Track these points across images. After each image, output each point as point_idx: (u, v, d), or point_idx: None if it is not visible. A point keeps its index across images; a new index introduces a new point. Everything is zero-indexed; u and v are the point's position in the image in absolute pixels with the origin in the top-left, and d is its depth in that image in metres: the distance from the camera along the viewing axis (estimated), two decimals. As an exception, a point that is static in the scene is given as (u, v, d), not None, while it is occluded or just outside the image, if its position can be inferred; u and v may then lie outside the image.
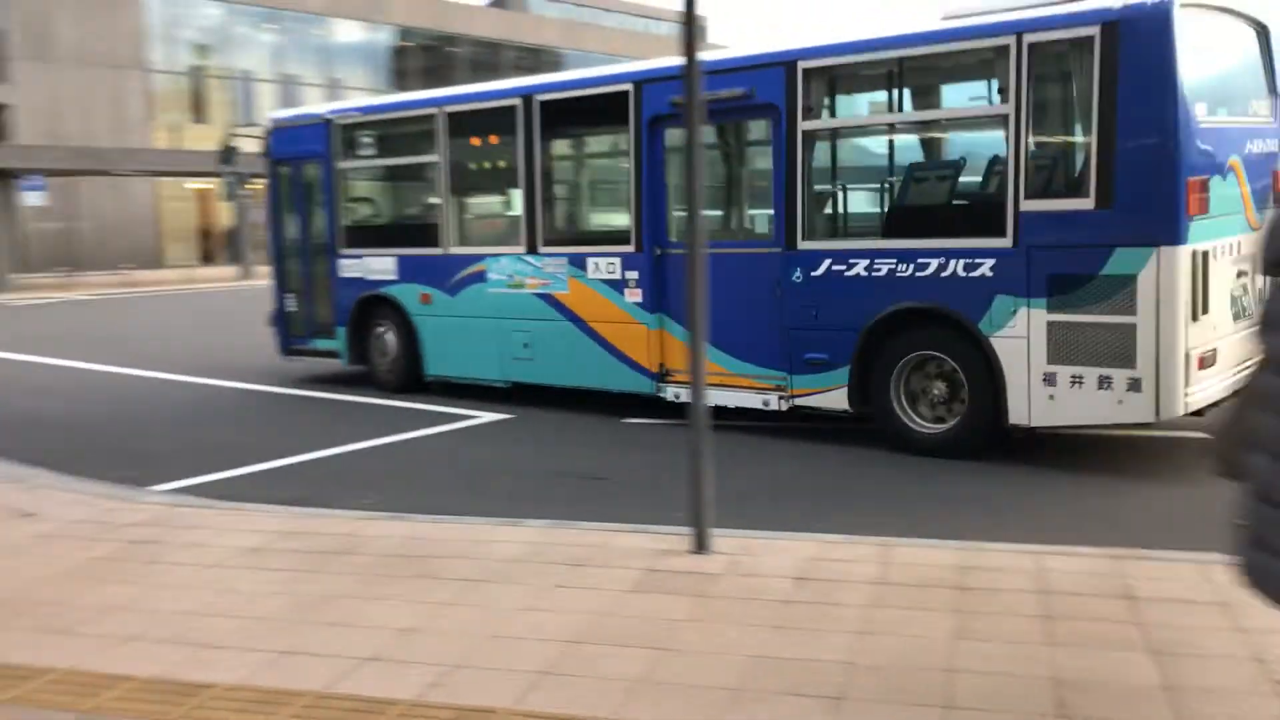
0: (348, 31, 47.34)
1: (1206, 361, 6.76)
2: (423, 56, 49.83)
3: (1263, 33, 7.90)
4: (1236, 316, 7.20)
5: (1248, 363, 7.78)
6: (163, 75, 41.64)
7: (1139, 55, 6.59)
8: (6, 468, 7.48)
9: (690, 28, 5.10)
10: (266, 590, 4.73)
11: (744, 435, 8.19)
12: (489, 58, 51.25)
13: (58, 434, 9.34)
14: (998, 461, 7.19)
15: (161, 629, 4.30)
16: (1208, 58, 7.16)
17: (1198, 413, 6.84)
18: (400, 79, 48.05)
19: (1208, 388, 6.78)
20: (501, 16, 54.27)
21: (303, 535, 5.55)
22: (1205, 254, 6.69)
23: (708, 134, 8.54)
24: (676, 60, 8.81)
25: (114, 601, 4.64)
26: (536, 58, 52.63)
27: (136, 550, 5.40)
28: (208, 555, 5.28)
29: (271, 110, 40.46)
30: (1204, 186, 6.69)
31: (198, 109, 42.87)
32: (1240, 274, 7.22)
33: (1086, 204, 6.78)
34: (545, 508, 6.30)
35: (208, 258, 42.02)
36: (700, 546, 5.09)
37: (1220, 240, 6.87)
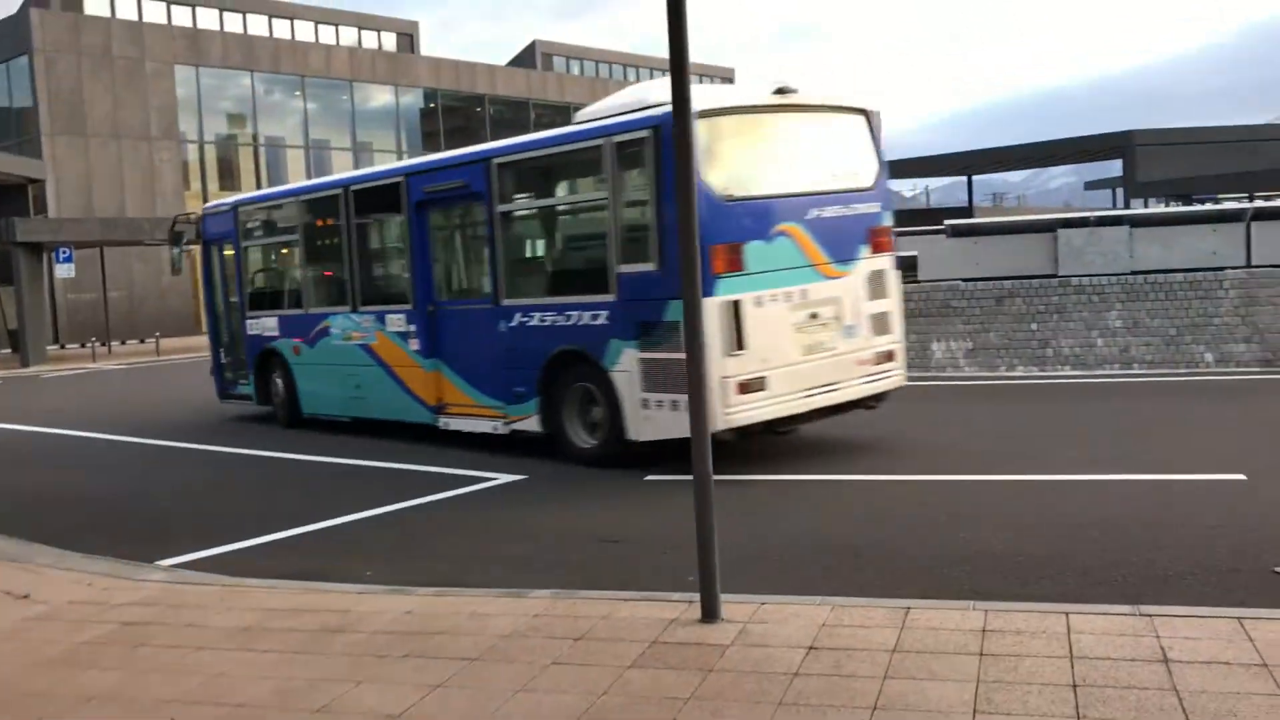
0: (375, 96, 47.94)
1: (750, 387, 8.33)
2: (450, 117, 50.35)
3: (863, 116, 9.63)
4: (810, 350, 8.71)
5: (832, 385, 8.51)
6: (194, 145, 42.29)
7: (669, 152, 8.20)
8: (8, 546, 7.36)
9: (681, 76, 4.95)
10: (254, 674, 4.53)
11: (762, 488, 7.96)
12: (515, 115, 51.74)
13: (68, 508, 9.23)
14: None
15: (140, 720, 4.11)
16: (755, 148, 9.04)
17: (779, 428, 8.82)
18: (429, 140, 48.57)
19: (756, 409, 8.40)
20: (525, 76, 54.81)
21: (299, 613, 5.36)
22: (739, 303, 8.28)
23: (447, 215, 11.25)
24: (432, 156, 11.68)
25: (96, 690, 4.46)
26: (563, 115, 53.10)
27: (128, 633, 5.23)
28: (200, 636, 5.10)
29: (301, 176, 40.93)
30: (734, 250, 8.35)
31: (229, 177, 43.44)
32: (813, 315, 8.75)
33: (652, 267, 8.67)
34: (556, 575, 6.09)
35: (240, 323, 42.30)
36: (709, 615, 4.86)
37: (768, 290, 8.46)
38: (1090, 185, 60.26)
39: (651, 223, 8.72)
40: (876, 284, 9.27)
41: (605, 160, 9.02)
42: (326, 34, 50.68)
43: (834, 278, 8.93)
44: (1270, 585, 5.25)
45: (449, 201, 10.92)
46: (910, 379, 14.60)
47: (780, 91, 9.01)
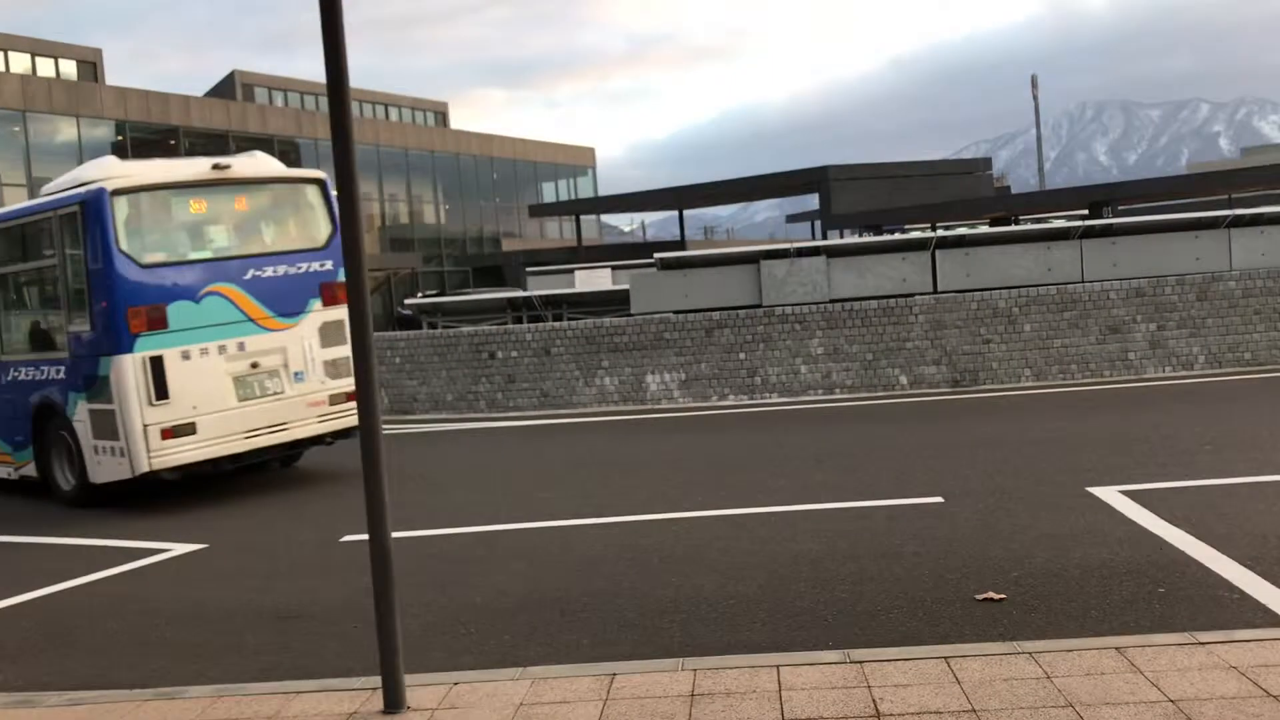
0: (55, 128, 44.14)
1: (177, 432, 9.40)
2: (142, 151, 46.99)
3: (316, 184, 10.77)
4: (248, 396, 9.87)
5: (281, 425, 10.29)
6: None
7: (90, 225, 9.42)
8: None
9: (341, 109, 4.42)
10: None
11: (464, 542, 7.45)
12: (215, 149, 48.93)
13: None
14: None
15: None
16: (184, 218, 10.17)
17: (229, 464, 9.87)
18: (117, 175, 45.07)
19: (188, 451, 9.49)
20: (225, 107, 52.06)
21: (-113, 745, 4.39)
22: (160, 358, 9.35)
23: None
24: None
25: None
26: (266, 147, 50.64)
27: None
28: None
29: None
30: (156, 310, 9.40)
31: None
32: (255, 364, 9.93)
33: (88, 327, 9.64)
34: (228, 664, 5.36)
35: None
36: (392, 705, 4.30)
37: (197, 344, 9.60)
38: (791, 218, 63.30)
39: (85, 287, 9.59)
40: (331, 333, 10.37)
41: (54, 231, 10.03)
42: (-6, 60, 46.32)
43: (277, 330, 10.07)
44: (973, 613, 5.23)
45: None
46: (625, 413, 14.52)
47: (217, 167, 10.13)
